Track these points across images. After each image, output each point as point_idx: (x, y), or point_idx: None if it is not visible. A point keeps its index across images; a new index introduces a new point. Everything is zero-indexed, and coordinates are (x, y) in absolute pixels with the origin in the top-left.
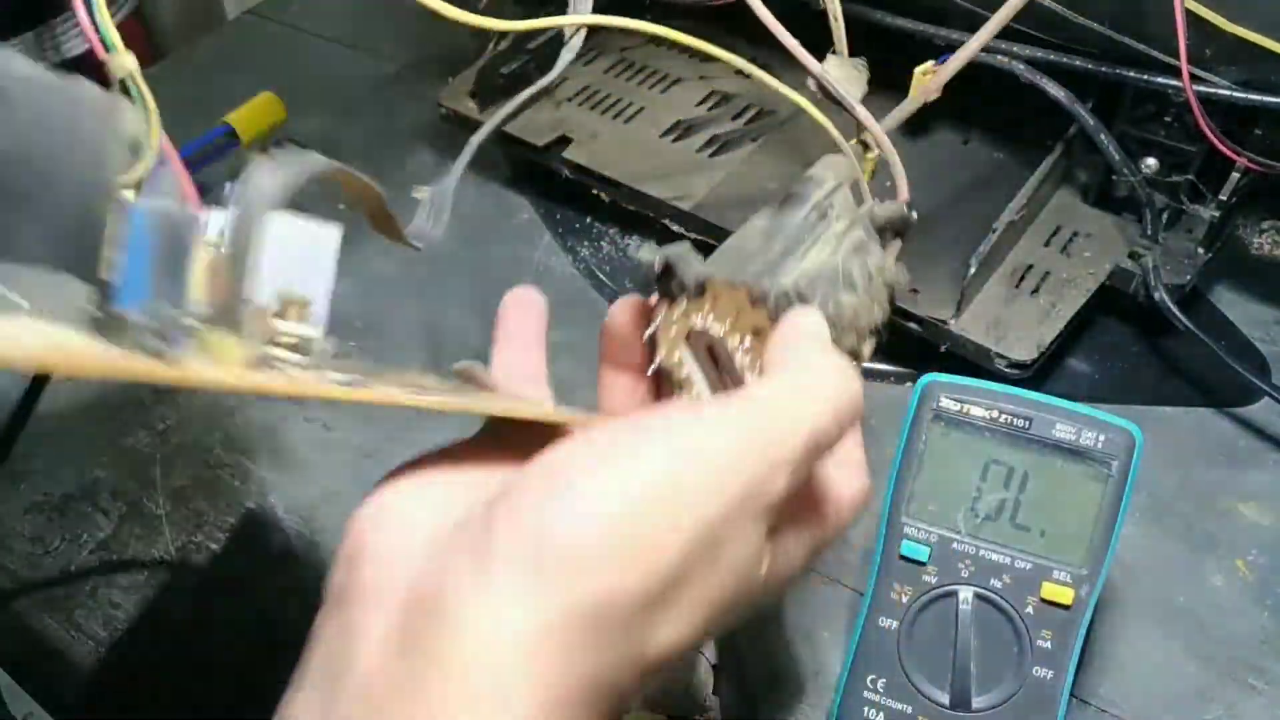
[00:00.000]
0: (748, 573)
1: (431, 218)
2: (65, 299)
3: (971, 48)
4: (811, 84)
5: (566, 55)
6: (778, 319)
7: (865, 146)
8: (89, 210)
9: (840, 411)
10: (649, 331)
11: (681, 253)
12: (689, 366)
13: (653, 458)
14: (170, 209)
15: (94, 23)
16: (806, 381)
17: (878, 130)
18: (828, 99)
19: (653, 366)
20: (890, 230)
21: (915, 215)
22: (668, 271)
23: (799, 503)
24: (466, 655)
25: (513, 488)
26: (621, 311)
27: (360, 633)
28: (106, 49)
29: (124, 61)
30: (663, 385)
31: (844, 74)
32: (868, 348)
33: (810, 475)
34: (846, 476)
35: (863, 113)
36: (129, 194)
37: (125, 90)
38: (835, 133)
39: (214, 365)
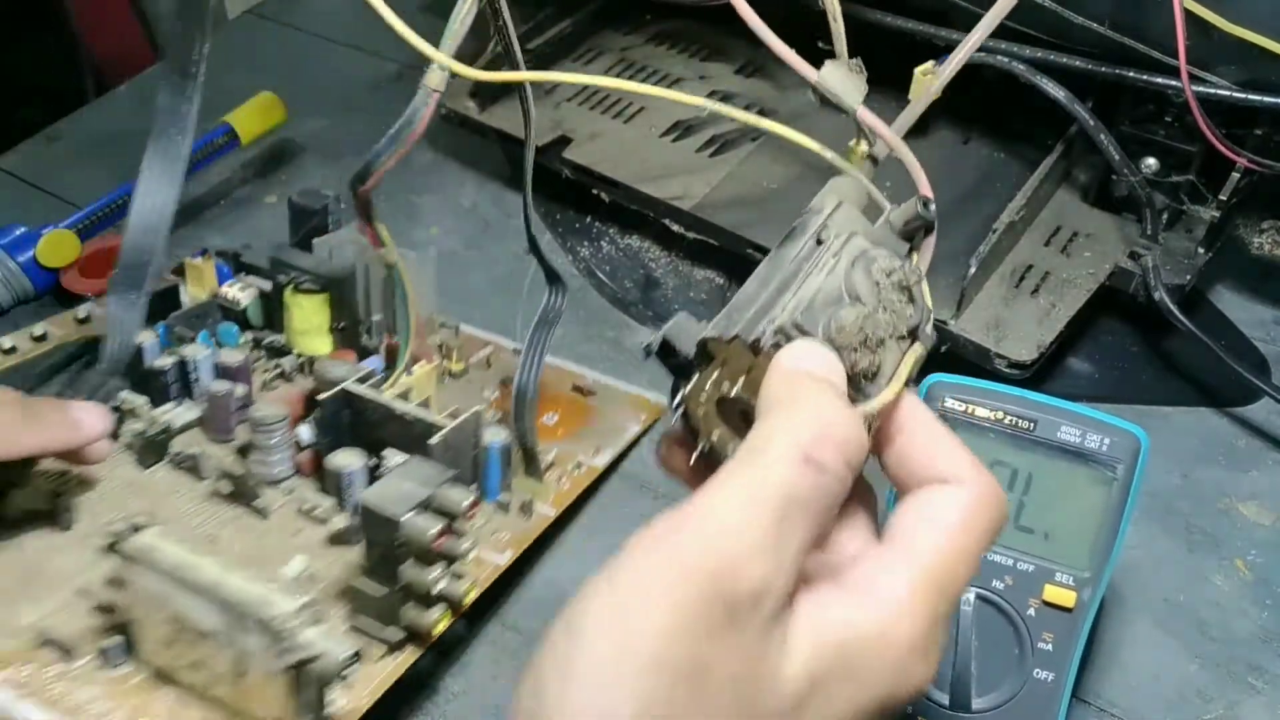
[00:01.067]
0: (752, 668)
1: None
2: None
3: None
4: (811, 95)
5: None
6: None
7: (874, 161)
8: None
9: (813, 454)
10: (676, 414)
11: (676, 324)
12: (729, 440)
13: (596, 606)
14: (506, 439)
15: (373, 227)
16: (763, 439)
17: (886, 131)
18: (827, 107)
19: (694, 456)
20: (921, 230)
21: (933, 209)
22: (667, 349)
23: (836, 566)
24: None
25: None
26: (662, 443)
27: None
28: (381, 243)
29: (391, 255)
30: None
31: (842, 79)
32: (897, 358)
33: (823, 529)
34: (909, 514)
35: (867, 116)
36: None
37: (391, 271)
38: (830, 155)
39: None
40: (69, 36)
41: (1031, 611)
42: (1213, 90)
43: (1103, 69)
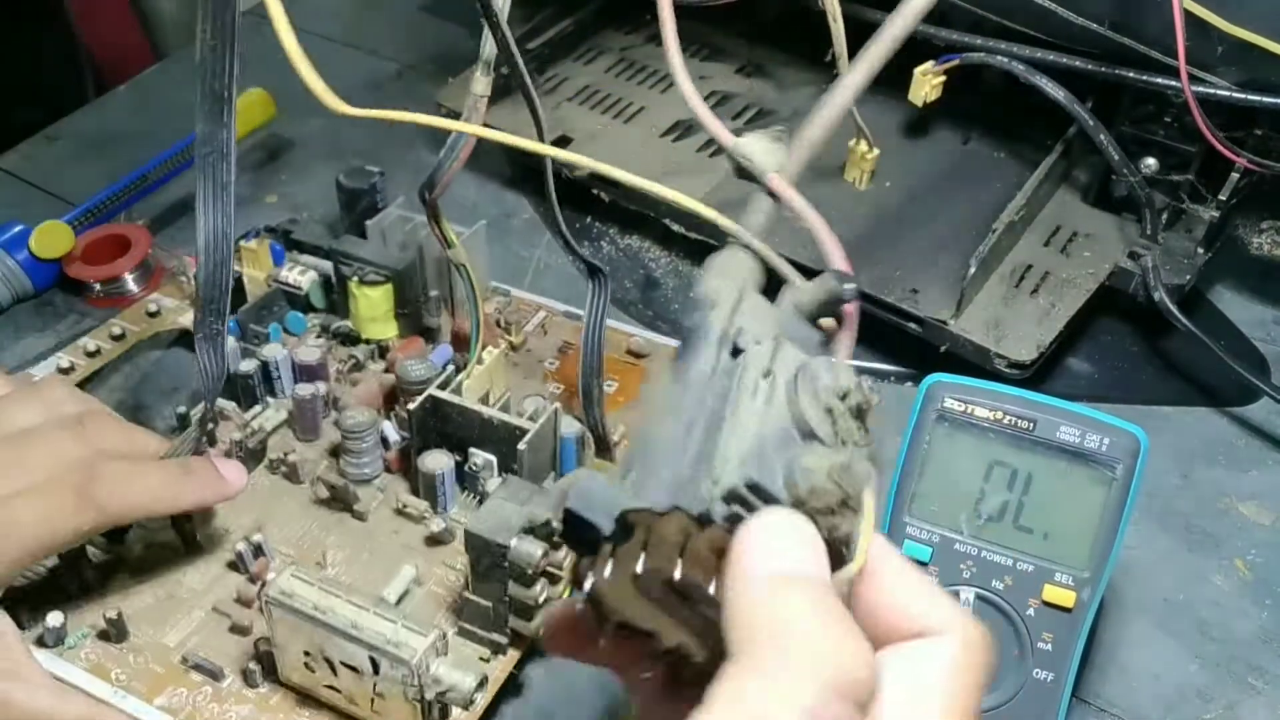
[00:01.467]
0: None
1: None
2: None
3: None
4: (728, 163)
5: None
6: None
7: (867, 144)
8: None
9: (822, 716)
10: (586, 594)
11: (581, 490)
12: (651, 619)
13: None
14: (579, 428)
15: (440, 231)
16: (748, 704)
17: (797, 200)
18: (743, 176)
19: (606, 634)
20: (838, 312)
21: (853, 287)
22: (574, 521)
23: None
24: None
25: None
26: (545, 624)
27: None
28: (449, 245)
29: (459, 255)
30: (628, 641)
31: (762, 147)
32: (868, 521)
33: None
34: None
35: (779, 183)
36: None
37: (460, 270)
38: (724, 220)
39: None
40: (68, 36)
41: (1031, 611)
42: (1212, 90)
43: (1102, 69)
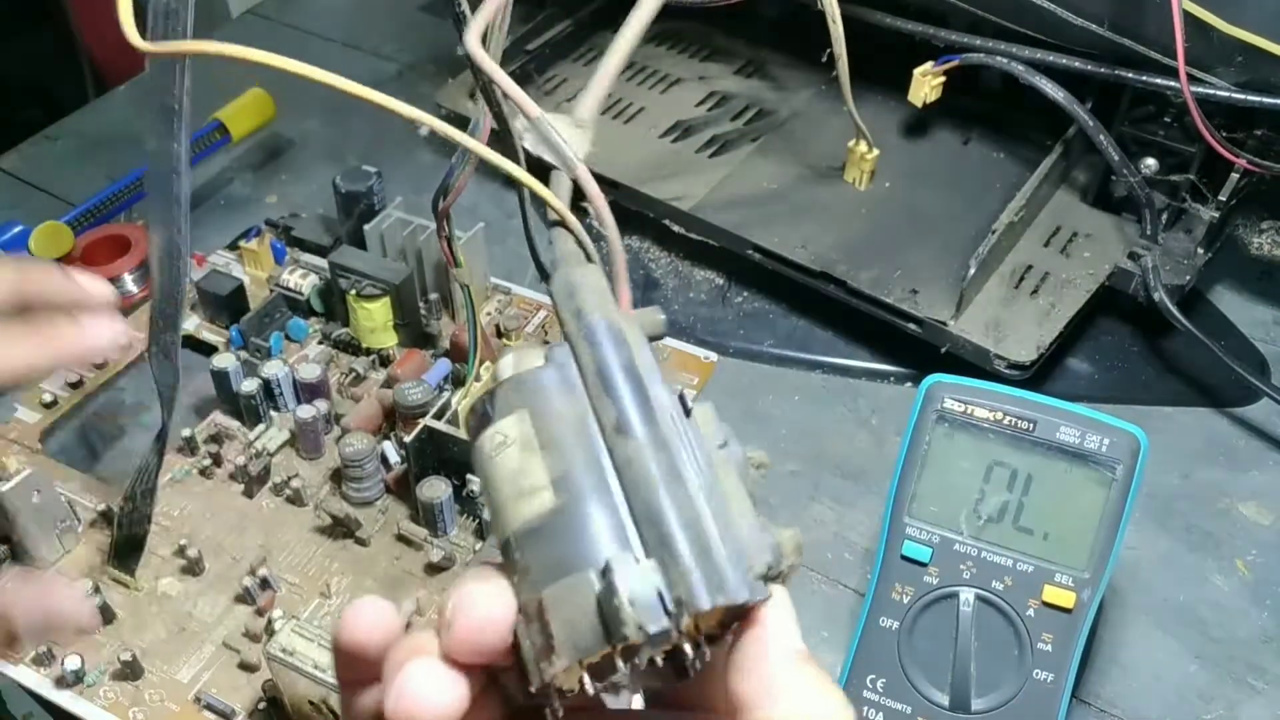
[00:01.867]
0: None
1: None
2: None
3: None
4: (520, 124)
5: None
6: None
7: (867, 145)
8: None
9: None
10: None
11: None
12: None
13: None
14: None
15: (451, 250)
16: None
17: (605, 209)
18: (545, 147)
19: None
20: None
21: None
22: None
23: None
24: None
25: None
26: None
27: None
28: (456, 265)
29: (463, 276)
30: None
31: (568, 132)
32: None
33: None
34: None
35: (583, 172)
36: None
37: (464, 290)
38: (549, 195)
39: None
40: (68, 36)
41: (1031, 612)
42: (1212, 91)
43: (1102, 69)
